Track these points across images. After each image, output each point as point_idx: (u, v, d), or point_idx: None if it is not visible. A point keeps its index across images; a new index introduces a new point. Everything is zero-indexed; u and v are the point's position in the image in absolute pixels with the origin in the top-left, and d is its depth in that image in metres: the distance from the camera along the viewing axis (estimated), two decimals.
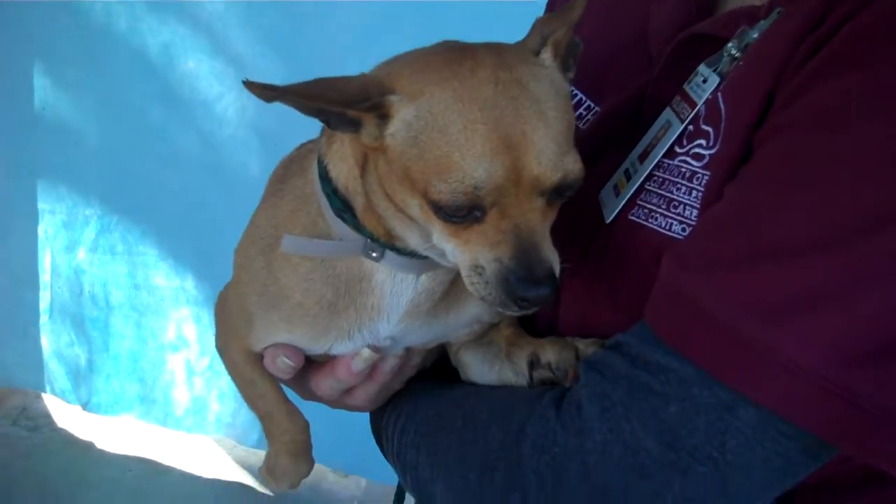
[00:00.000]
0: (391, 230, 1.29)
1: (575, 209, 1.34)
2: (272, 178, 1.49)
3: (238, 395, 4.65)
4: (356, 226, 1.31)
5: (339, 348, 1.41)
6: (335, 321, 1.38)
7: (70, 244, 4.69)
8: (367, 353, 1.40)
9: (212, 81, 4.16)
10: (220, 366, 4.51)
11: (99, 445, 4.89)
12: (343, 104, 1.16)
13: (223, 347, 1.57)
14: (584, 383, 1.16)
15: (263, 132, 4.07)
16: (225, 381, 4.53)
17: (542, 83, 1.19)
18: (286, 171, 1.45)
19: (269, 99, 1.12)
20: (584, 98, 1.51)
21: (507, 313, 1.26)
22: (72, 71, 4.47)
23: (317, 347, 1.42)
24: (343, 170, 1.31)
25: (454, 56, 1.20)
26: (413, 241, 1.28)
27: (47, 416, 5.09)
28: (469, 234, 1.18)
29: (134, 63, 4.27)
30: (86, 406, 4.89)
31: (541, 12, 1.56)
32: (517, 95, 1.15)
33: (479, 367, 1.46)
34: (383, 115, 1.18)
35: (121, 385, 4.81)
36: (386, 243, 1.30)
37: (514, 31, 1.32)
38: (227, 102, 4.16)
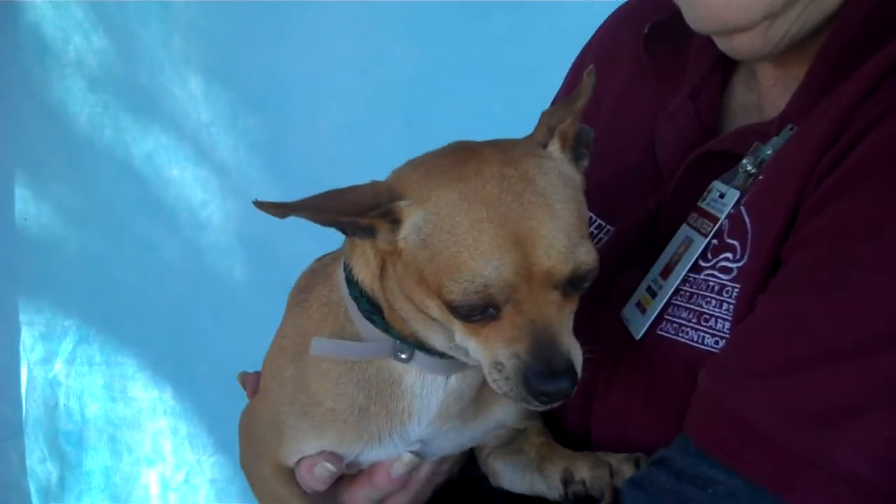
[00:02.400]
0: (415, 332, 1.30)
1: (597, 328, 1.37)
2: (294, 290, 1.50)
3: None
4: (385, 328, 1.32)
5: (369, 454, 1.41)
6: (365, 426, 1.38)
7: (47, 356, 4.62)
8: (408, 457, 1.40)
9: (196, 188, 4.18)
10: (198, 479, 4.40)
11: None
12: (354, 214, 1.19)
13: (249, 465, 1.55)
14: (630, 500, 1.16)
15: (247, 238, 4.08)
16: (201, 496, 4.45)
17: (549, 176, 1.20)
18: (308, 282, 1.47)
19: (282, 216, 1.16)
20: (594, 217, 1.54)
21: (530, 408, 1.26)
22: (54, 181, 4.49)
23: (347, 453, 1.41)
24: (368, 274, 1.32)
25: (460, 157, 1.23)
26: (438, 341, 1.29)
27: None
28: (488, 332, 1.19)
29: (118, 172, 4.29)
30: None
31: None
32: (522, 191, 1.16)
33: (510, 476, 1.47)
34: (395, 221, 1.21)
35: (92, 503, 4.66)
36: (414, 344, 1.31)
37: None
38: (212, 209, 4.18)
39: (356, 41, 3.71)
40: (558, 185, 1.20)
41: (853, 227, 1.08)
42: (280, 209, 1.15)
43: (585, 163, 1.30)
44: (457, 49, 3.44)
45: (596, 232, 1.53)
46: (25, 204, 4.49)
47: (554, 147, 1.25)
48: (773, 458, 1.04)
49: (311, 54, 3.79)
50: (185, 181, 4.18)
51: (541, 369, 1.15)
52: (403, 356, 1.32)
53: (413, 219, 1.19)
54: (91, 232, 4.43)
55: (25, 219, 4.51)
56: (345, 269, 1.36)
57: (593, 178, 1.33)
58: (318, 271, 1.47)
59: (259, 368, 1.57)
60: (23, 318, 4.61)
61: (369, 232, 1.22)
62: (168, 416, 4.47)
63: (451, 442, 1.44)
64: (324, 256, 1.52)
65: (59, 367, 4.60)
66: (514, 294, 1.15)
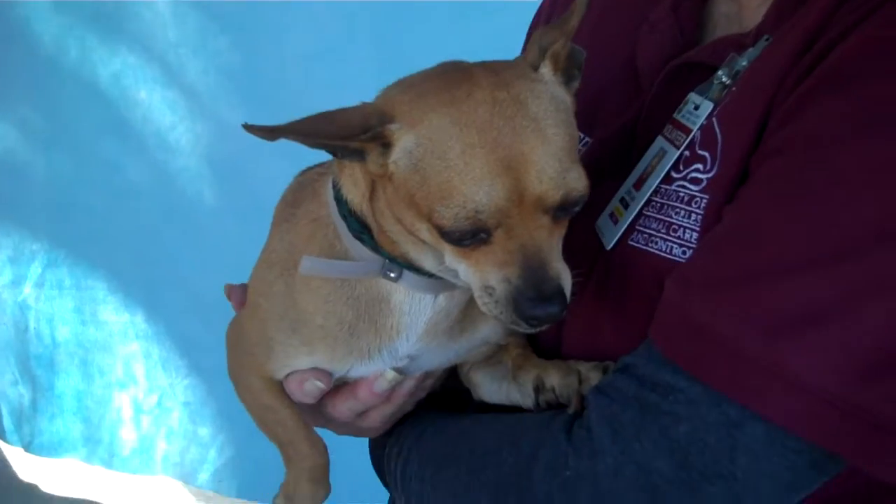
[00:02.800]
0: (405, 254, 1.31)
1: (572, 238, 1.37)
2: (281, 204, 1.50)
3: (186, 433, 4.56)
4: (374, 247, 1.33)
5: (358, 370, 1.43)
6: (356, 342, 1.40)
7: (16, 279, 4.59)
8: (391, 374, 1.42)
9: (164, 111, 4.14)
10: (170, 402, 4.41)
11: (43, 488, 4.78)
12: (344, 137, 1.19)
13: (238, 375, 1.57)
14: (594, 407, 1.18)
15: (217, 162, 4.06)
16: (174, 419, 4.48)
17: (541, 100, 1.20)
18: (296, 197, 1.47)
19: (271, 139, 1.15)
20: None
21: (519, 330, 1.28)
22: (19, 103, 4.42)
23: (337, 369, 1.43)
24: (357, 194, 1.33)
25: (451, 79, 1.22)
26: (427, 263, 1.30)
27: None
28: (478, 255, 1.20)
29: (84, 94, 4.24)
30: (28, 447, 4.76)
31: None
32: (514, 115, 1.16)
33: (488, 387, 1.49)
34: (386, 144, 1.20)
35: (65, 425, 4.69)
36: (403, 263, 1.32)
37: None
38: (180, 132, 4.14)
39: None
40: (550, 109, 1.20)
41: (816, 138, 1.09)
42: (269, 132, 1.15)
43: (576, 84, 1.30)
44: None
45: None
46: None
47: (545, 69, 1.25)
48: (732, 365, 1.05)
49: None
50: (153, 103, 4.13)
51: (531, 294, 1.17)
52: (392, 275, 1.34)
53: (404, 143, 1.19)
54: (58, 155, 4.39)
55: None
56: (333, 188, 1.36)
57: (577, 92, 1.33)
58: (306, 186, 1.47)
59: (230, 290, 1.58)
60: None
61: (359, 155, 1.22)
62: (140, 339, 4.47)
63: (438, 358, 1.46)
64: (309, 170, 1.52)
65: (28, 290, 4.58)
66: (505, 219, 1.16)
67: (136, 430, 4.57)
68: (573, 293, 1.22)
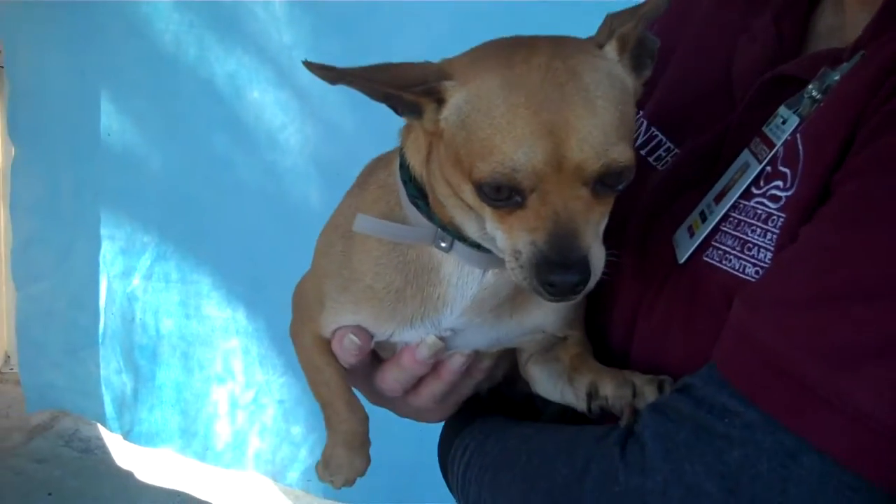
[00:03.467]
0: (452, 219, 1.31)
1: (648, 249, 1.37)
2: (361, 173, 1.52)
3: (279, 431, 4.62)
4: (428, 214, 1.34)
5: (401, 335, 1.43)
6: (400, 308, 1.40)
7: (126, 270, 4.72)
8: (431, 339, 1.41)
9: (276, 112, 4.19)
10: (265, 399, 4.45)
11: (138, 476, 4.90)
12: (400, 87, 1.20)
13: (295, 333, 1.59)
14: (649, 423, 1.14)
15: (324, 163, 4.09)
16: (269, 416, 4.52)
17: (597, 74, 1.19)
18: (373, 167, 1.49)
19: (331, 80, 1.17)
20: (664, 140, 1.52)
21: (543, 299, 1.24)
22: (138, 98, 4.55)
23: (380, 332, 1.44)
24: (417, 158, 1.34)
25: (513, 45, 1.23)
26: (471, 229, 1.30)
27: (99, 438, 5.17)
28: (513, 220, 1.19)
29: (200, 92, 4.33)
30: (127, 435, 4.89)
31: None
32: (565, 83, 1.16)
33: (544, 383, 1.48)
34: (440, 101, 1.22)
35: (163, 416, 4.80)
36: (455, 233, 1.32)
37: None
38: (290, 133, 4.19)
39: None
40: (605, 83, 1.19)
41: None
42: (330, 73, 1.16)
43: (647, 72, 1.29)
44: None
45: (663, 154, 1.50)
46: (109, 119, 4.56)
47: (610, 48, 1.24)
48: (792, 393, 1.01)
49: None
50: (266, 103, 4.20)
51: (554, 259, 1.15)
52: (444, 244, 1.33)
53: (455, 99, 1.20)
54: (172, 150, 4.49)
55: (109, 134, 4.58)
56: (400, 155, 1.37)
57: (670, 100, 1.32)
58: (384, 157, 1.48)
59: None
60: (104, 231, 4.71)
61: (416, 110, 1.23)
62: (240, 335, 4.55)
63: (484, 337, 1.44)
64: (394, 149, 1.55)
65: (137, 281, 4.70)
66: (542, 184, 1.15)
67: (230, 425, 4.64)
68: (606, 273, 1.20)
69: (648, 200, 1.42)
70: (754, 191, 1.22)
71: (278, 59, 4.07)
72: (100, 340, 4.83)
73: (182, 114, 4.41)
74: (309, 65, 1.16)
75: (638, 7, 1.22)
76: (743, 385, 1.06)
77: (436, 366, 1.47)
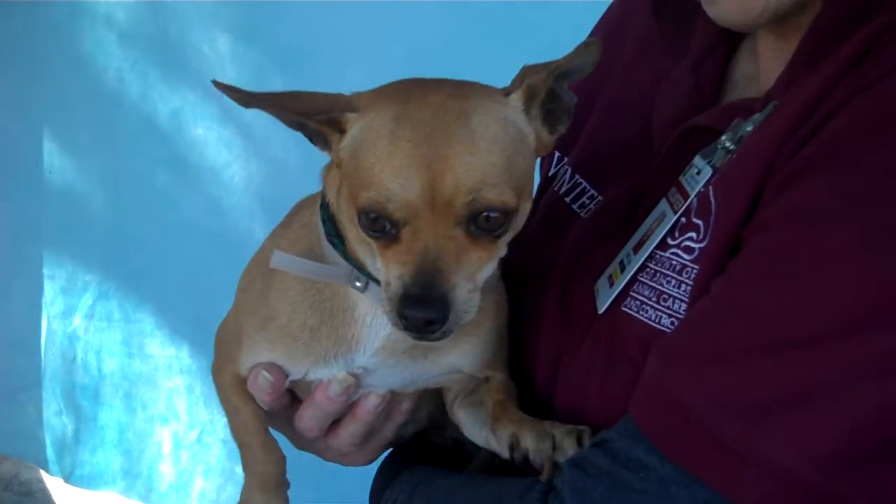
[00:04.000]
0: (355, 253, 1.32)
1: (572, 297, 1.37)
2: (290, 211, 1.52)
3: (224, 470, 4.53)
4: (344, 253, 1.34)
5: (315, 373, 1.42)
6: (315, 346, 1.39)
7: (67, 310, 4.67)
8: (342, 375, 1.40)
9: (220, 149, 4.18)
10: (210, 438, 4.38)
11: None
12: (305, 114, 1.22)
13: (216, 372, 1.57)
14: (568, 480, 1.15)
15: (269, 200, 4.08)
16: (213, 455, 4.47)
17: (489, 117, 1.21)
18: (301, 205, 1.49)
19: (242, 103, 1.20)
20: (587, 187, 1.52)
21: (406, 335, 1.24)
22: (81, 135, 4.52)
23: (295, 370, 1.42)
24: (332, 193, 1.34)
25: (420, 83, 1.26)
26: (368, 262, 1.29)
27: (40, 481, 5.02)
28: (390, 254, 1.20)
29: (144, 129, 4.31)
30: (68, 478, 4.81)
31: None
32: (453, 122, 1.17)
33: (470, 428, 1.47)
34: (343, 131, 1.23)
35: (106, 457, 4.73)
36: (369, 273, 1.32)
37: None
38: (235, 170, 4.18)
39: (386, 1, 3.67)
40: (495, 128, 1.20)
41: (807, 215, 1.05)
42: (241, 96, 1.19)
43: (562, 128, 1.30)
44: (488, 14, 3.39)
45: (587, 202, 1.51)
46: (51, 157, 4.54)
47: (515, 97, 1.25)
48: (705, 447, 1.02)
49: (339, 14, 3.76)
50: (210, 141, 4.18)
51: (411, 293, 1.16)
52: (359, 284, 1.33)
53: (353, 129, 1.22)
54: (115, 187, 4.46)
55: (51, 172, 4.55)
56: (322, 193, 1.38)
57: (593, 147, 1.32)
58: (311, 197, 1.48)
59: None
60: (45, 271, 4.66)
61: (324, 140, 1.25)
62: (184, 374, 4.49)
63: (399, 377, 1.43)
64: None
65: (78, 321, 4.64)
66: (415, 219, 1.16)
67: (174, 466, 4.57)
68: (464, 317, 1.19)
69: (571, 248, 1.43)
70: (670, 241, 1.23)
71: (223, 96, 4.02)
72: (41, 381, 4.75)
73: (125, 151, 4.39)
74: (219, 85, 1.18)
75: (553, 61, 1.23)
76: (657, 439, 1.07)
77: (352, 406, 1.45)
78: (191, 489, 4.54)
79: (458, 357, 1.42)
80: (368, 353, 1.38)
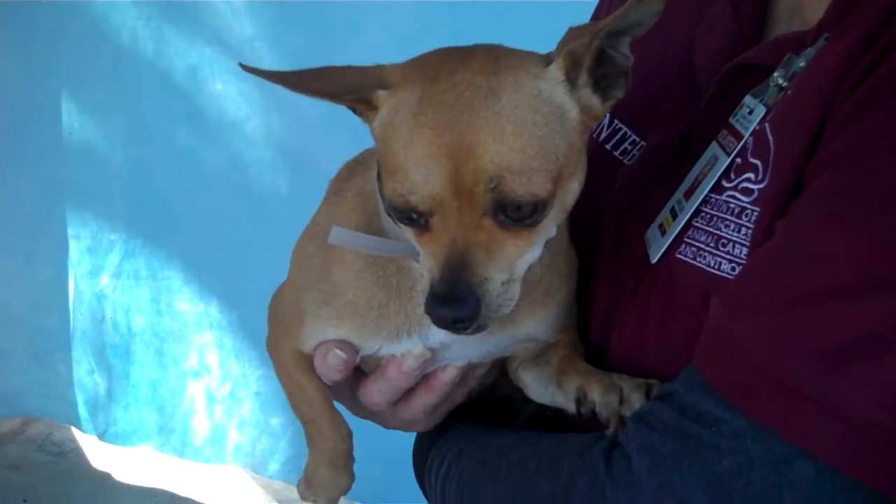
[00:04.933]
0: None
1: (622, 247, 1.33)
2: (335, 178, 1.48)
3: (258, 423, 4.57)
4: None
5: (388, 349, 1.37)
6: (385, 323, 1.35)
7: (94, 269, 4.68)
8: (419, 350, 1.36)
9: (240, 103, 4.16)
10: (242, 392, 4.42)
11: (116, 476, 4.83)
12: (334, 95, 1.18)
13: (273, 347, 1.54)
14: (634, 435, 1.11)
15: (291, 153, 4.08)
16: (246, 408, 4.51)
17: (520, 95, 1.13)
18: (350, 171, 1.45)
19: (276, 82, 1.16)
20: (628, 132, 1.48)
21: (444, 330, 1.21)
22: (99, 95, 4.50)
23: (366, 346, 1.38)
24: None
25: (451, 56, 1.19)
26: (413, 242, 1.24)
27: (73, 441, 5.07)
28: (424, 241, 1.16)
29: (161, 86, 4.29)
30: (102, 436, 4.85)
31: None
32: (480, 104, 1.11)
33: (535, 388, 1.43)
34: (377, 108, 1.18)
35: (139, 414, 4.76)
36: None
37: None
38: (255, 124, 4.16)
39: None
40: (526, 107, 1.13)
41: (876, 149, 1.00)
42: (271, 77, 1.16)
43: (619, 93, 1.22)
44: None
45: (629, 147, 1.47)
46: (70, 118, 4.51)
47: (555, 67, 1.17)
48: (780, 398, 0.98)
49: None
50: (229, 95, 4.16)
51: (440, 291, 1.12)
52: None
53: (383, 109, 1.17)
54: (136, 146, 4.45)
55: (70, 133, 4.53)
56: (378, 163, 1.32)
57: (632, 91, 1.25)
58: (361, 161, 1.44)
59: None
60: (70, 231, 4.66)
61: (363, 117, 1.21)
62: (214, 329, 4.51)
63: (477, 349, 1.40)
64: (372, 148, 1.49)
65: (105, 280, 4.65)
66: (441, 208, 1.11)
67: (208, 420, 4.61)
68: (504, 309, 1.16)
69: (617, 197, 1.39)
70: (725, 184, 1.19)
71: (240, 51, 4.02)
72: (70, 342, 4.78)
73: (144, 109, 4.36)
74: (247, 68, 1.14)
75: (597, 22, 1.16)
76: (728, 392, 1.03)
77: (427, 377, 1.42)
78: (225, 442, 4.59)
79: (535, 325, 1.38)
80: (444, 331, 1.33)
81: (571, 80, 1.18)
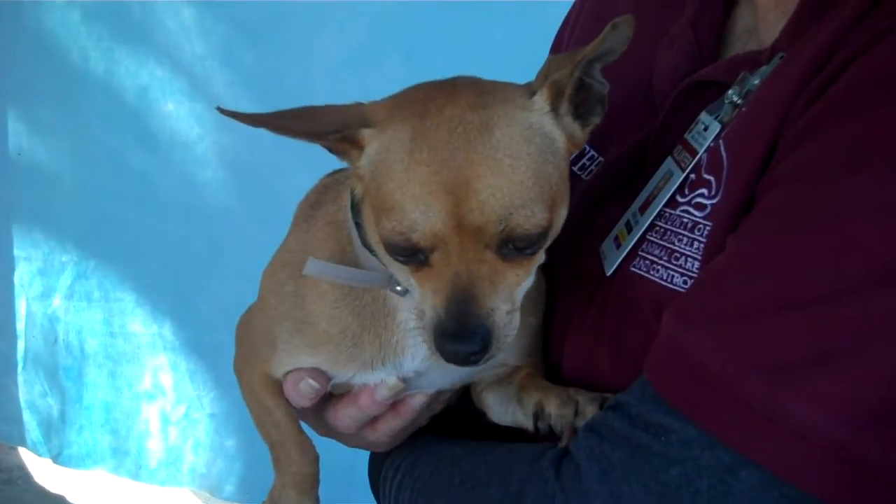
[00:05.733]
0: (384, 264, 1.26)
1: (578, 261, 1.35)
2: (304, 202, 1.47)
3: (213, 444, 4.53)
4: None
5: (361, 378, 1.38)
6: (359, 353, 1.35)
7: (45, 291, 4.61)
8: (392, 381, 1.37)
9: (192, 123, 4.14)
10: (197, 414, 4.39)
11: (70, 499, 4.79)
12: (316, 135, 1.16)
13: (241, 370, 1.54)
14: (584, 444, 1.13)
15: (244, 174, 4.07)
16: (201, 430, 4.47)
17: (512, 129, 1.14)
18: (319, 197, 1.44)
19: (250, 125, 1.14)
20: (587, 148, 1.49)
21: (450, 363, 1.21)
22: (48, 115, 4.44)
23: (339, 375, 1.39)
24: (359, 199, 1.28)
25: (437, 91, 1.19)
26: (401, 278, 1.24)
27: (21, 468, 5.00)
28: (421, 277, 1.16)
29: (112, 106, 4.25)
30: (56, 459, 4.76)
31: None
32: (474, 139, 1.11)
33: (497, 409, 1.44)
34: (361, 148, 1.18)
35: (93, 437, 4.69)
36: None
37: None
38: (207, 144, 4.15)
39: None
40: (519, 140, 1.14)
41: (826, 167, 1.03)
42: (246, 119, 1.14)
43: (596, 119, 1.24)
44: None
45: (587, 163, 1.49)
46: (19, 138, 4.44)
47: (540, 98, 1.19)
48: (728, 408, 1.00)
49: None
50: (181, 116, 4.14)
51: (449, 327, 1.12)
52: (399, 288, 1.28)
53: (370, 147, 1.17)
54: (86, 167, 4.40)
55: (19, 153, 4.46)
56: (352, 192, 1.31)
57: None
58: (330, 188, 1.44)
59: None
60: (19, 253, 4.58)
61: (343, 155, 1.21)
62: (168, 351, 4.47)
63: (449, 378, 1.41)
64: (337, 171, 1.47)
65: (57, 302, 4.59)
66: (443, 244, 1.11)
67: (163, 442, 4.56)
68: (512, 336, 1.17)
69: (574, 213, 1.38)
70: (679, 199, 1.21)
71: (191, 70, 4.01)
72: (20, 364, 4.69)
73: (95, 129, 4.32)
74: (224, 112, 1.14)
75: (576, 51, 1.17)
76: (678, 402, 1.05)
77: (396, 404, 1.42)
78: (181, 465, 4.54)
79: (508, 350, 1.35)
80: (418, 358, 1.34)
81: (555, 109, 1.20)
